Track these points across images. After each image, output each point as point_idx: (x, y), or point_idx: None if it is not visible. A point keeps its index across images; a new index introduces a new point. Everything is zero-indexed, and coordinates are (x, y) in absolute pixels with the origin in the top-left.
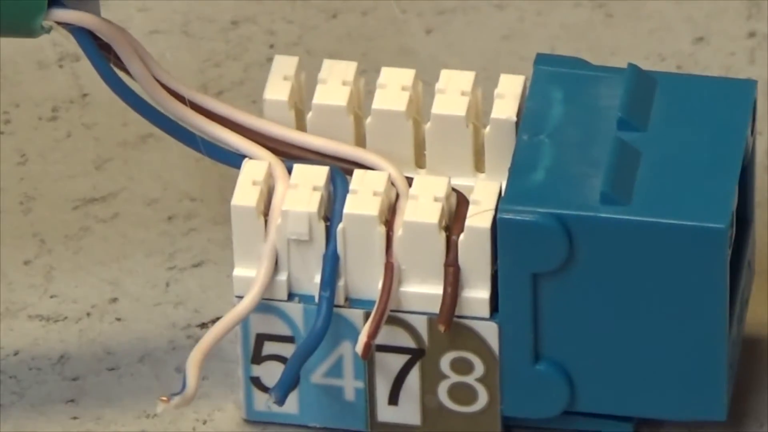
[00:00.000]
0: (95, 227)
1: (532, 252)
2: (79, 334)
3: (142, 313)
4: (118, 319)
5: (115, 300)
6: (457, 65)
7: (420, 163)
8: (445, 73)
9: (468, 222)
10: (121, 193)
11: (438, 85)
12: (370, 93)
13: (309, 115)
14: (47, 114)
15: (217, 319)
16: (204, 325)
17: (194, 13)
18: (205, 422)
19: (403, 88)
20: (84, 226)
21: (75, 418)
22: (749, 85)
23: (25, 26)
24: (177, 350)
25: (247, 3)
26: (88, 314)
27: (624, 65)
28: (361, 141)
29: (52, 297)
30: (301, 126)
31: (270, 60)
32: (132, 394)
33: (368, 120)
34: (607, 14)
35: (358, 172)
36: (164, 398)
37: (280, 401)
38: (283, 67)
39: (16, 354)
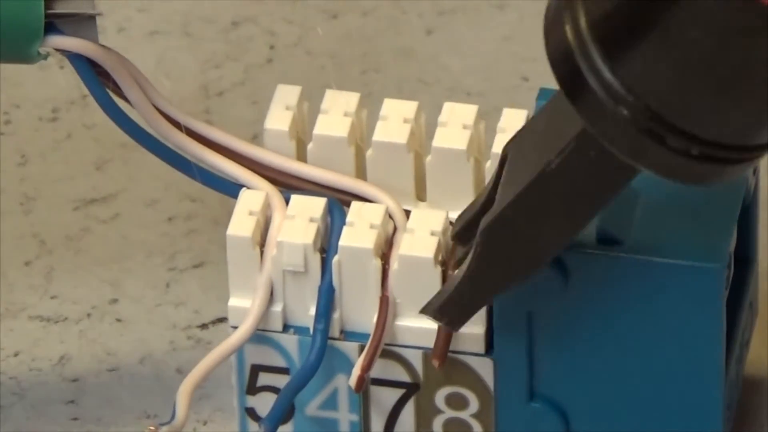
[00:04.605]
0: (95, 228)
1: (528, 288)
2: (79, 335)
3: (142, 314)
4: (119, 320)
5: (115, 301)
6: (457, 65)
7: (421, 196)
8: (447, 106)
9: None
10: (122, 194)
11: (440, 118)
12: (368, 93)
13: (309, 146)
14: (47, 115)
15: (218, 320)
16: (204, 326)
17: (194, 14)
18: (205, 423)
19: (405, 121)
20: (84, 226)
21: (75, 419)
22: None
23: (22, 53)
24: (177, 351)
25: (247, 3)
26: (89, 315)
27: None
28: (361, 173)
29: (52, 298)
30: (302, 156)
31: (270, 61)
32: (132, 394)
33: (369, 152)
34: None
35: (355, 205)
36: (152, 427)
37: None
38: (286, 97)
39: (16, 355)
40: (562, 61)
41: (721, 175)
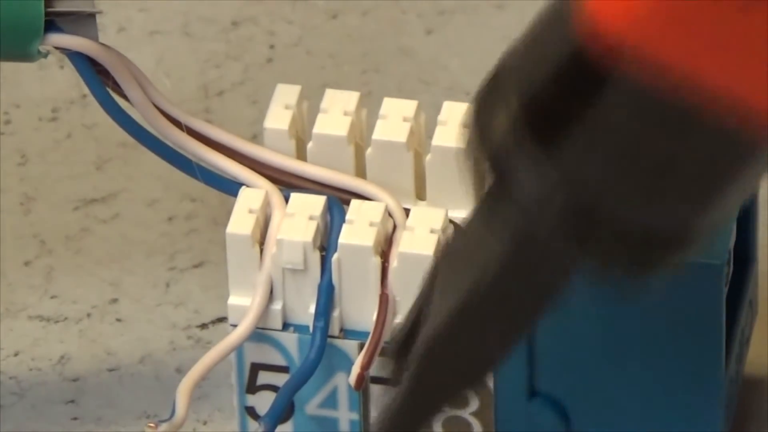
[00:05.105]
0: (95, 228)
1: None
2: (79, 335)
3: (142, 314)
4: (119, 320)
5: (115, 300)
6: (457, 66)
7: (420, 194)
8: (447, 105)
9: None
10: (122, 194)
11: (440, 117)
12: (368, 93)
13: (309, 145)
14: (47, 114)
15: (218, 319)
16: (204, 326)
17: (194, 14)
18: (205, 423)
19: (405, 119)
20: (84, 226)
21: (75, 418)
22: None
23: (22, 51)
24: (177, 351)
25: (247, 3)
26: (89, 315)
27: None
28: (361, 171)
29: (52, 297)
30: (301, 155)
31: (270, 61)
32: (132, 394)
33: (368, 151)
34: None
35: (355, 203)
36: (152, 425)
37: (269, 431)
38: (285, 96)
39: (16, 354)
40: (494, 148)
41: (661, 264)
